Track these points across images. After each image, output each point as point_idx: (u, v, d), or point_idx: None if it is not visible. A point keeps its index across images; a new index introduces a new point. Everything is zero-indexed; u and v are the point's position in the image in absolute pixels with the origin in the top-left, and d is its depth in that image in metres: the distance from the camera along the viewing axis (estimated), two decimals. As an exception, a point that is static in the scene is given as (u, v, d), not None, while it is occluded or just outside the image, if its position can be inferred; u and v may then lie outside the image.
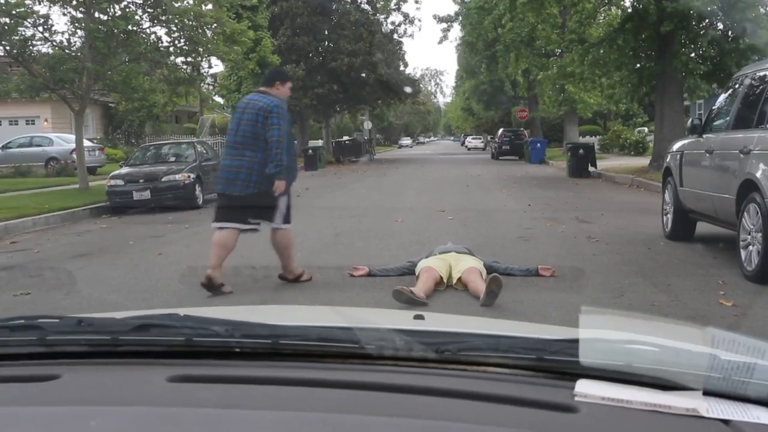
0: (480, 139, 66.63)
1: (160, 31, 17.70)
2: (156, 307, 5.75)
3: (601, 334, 1.26)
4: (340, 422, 1.02)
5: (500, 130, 40.88)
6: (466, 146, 68.82)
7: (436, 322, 1.72)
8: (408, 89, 37.10)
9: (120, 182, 14.74)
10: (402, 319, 1.70)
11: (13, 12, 15.42)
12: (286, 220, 6.53)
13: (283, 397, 1.12)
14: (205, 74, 21.64)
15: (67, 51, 16.87)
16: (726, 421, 1.01)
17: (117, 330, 1.32)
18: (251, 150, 6.24)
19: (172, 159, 16.61)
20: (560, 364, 1.17)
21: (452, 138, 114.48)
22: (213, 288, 6.08)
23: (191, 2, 16.95)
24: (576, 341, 1.17)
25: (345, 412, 1.05)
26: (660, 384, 1.08)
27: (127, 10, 16.69)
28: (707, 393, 1.06)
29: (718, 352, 1.12)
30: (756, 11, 17.04)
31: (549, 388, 1.12)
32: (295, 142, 6.31)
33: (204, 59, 19.04)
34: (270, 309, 2.50)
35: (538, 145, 31.87)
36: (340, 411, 1.05)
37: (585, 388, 1.09)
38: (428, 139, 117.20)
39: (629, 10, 19.87)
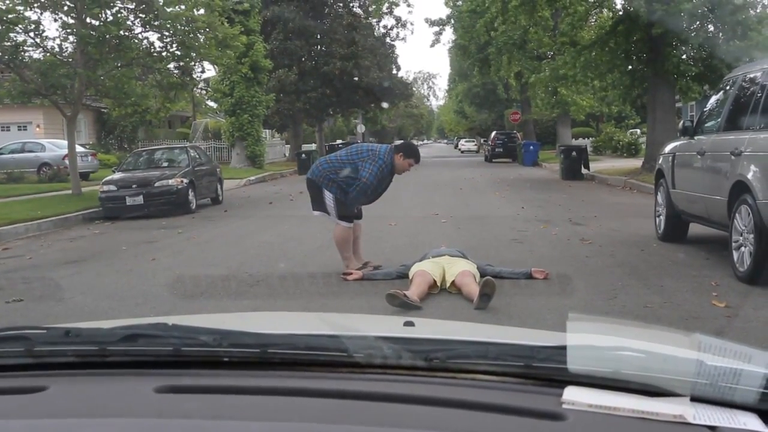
0: (473, 141, 66.69)
1: (153, 36, 17.69)
2: (148, 314, 5.74)
3: (588, 340, 1.26)
4: None
5: (493, 133, 40.93)
6: (460, 149, 68.84)
7: (426, 328, 1.72)
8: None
9: (113, 188, 14.70)
10: (391, 326, 1.70)
11: (4, 18, 15.37)
12: (342, 218, 7.13)
13: (271, 407, 1.12)
14: (197, 79, 21.56)
15: (58, 57, 16.81)
16: (713, 428, 1.01)
17: (104, 340, 1.32)
18: (343, 164, 7.07)
19: (165, 164, 16.58)
20: (548, 371, 1.17)
21: (445, 141, 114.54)
22: (353, 275, 6.79)
23: (183, 7, 16.90)
24: (564, 348, 1.17)
25: (333, 422, 1.05)
26: (647, 390, 1.09)
27: (119, 15, 16.64)
28: (694, 399, 1.06)
29: (705, 358, 1.12)
30: (746, 13, 17.12)
31: (537, 396, 1.12)
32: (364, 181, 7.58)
33: (196, 64, 18.99)
34: (259, 316, 2.49)
35: (531, 147, 31.92)
36: (328, 421, 1.05)
37: (573, 395, 1.09)
38: (421, 142, 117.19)
39: (620, 13, 19.94)
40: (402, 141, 8.06)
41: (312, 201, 7.35)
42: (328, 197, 7.10)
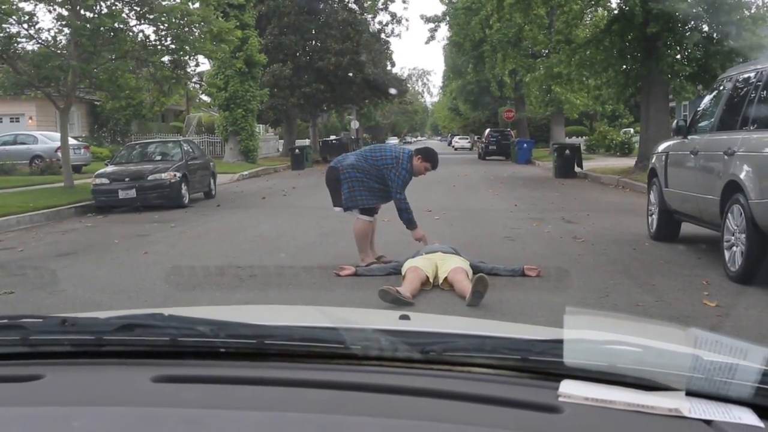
0: (467, 139, 66.68)
1: (147, 29, 17.63)
2: (141, 306, 5.73)
3: (585, 334, 1.27)
4: (324, 423, 1.02)
5: (487, 130, 40.96)
6: (453, 146, 68.82)
7: (422, 322, 1.72)
8: (393, 90, 37.23)
9: (105, 181, 14.66)
10: (387, 320, 1.70)
11: (-2, 9, 15.30)
12: (363, 212, 7.24)
13: (267, 397, 1.12)
14: (191, 73, 21.48)
15: (52, 48, 16.74)
16: (708, 422, 1.01)
17: (101, 330, 1.31)
18: (366, 161, 7.15)
19: (158, 158, 16.53)
20: (545, 365, 1.17)
21: (439, 138, 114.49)
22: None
23: (178, 0, 16.85)
24: (560, 342, 1.17)
25: (330, 413, 1.05)
26: (643, 384, 1.09)
27: (114, 7, 16.57)
28: (690, 393, 1.07)
29: (700, 353, 1.13)
30: (740, 14, 17.17)
31: (533, 389, 1.13)
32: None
33: (191, 57, 18.92)
34: (255, 309, 2.50)
35: (525, 145, 31.95)
36: (324, 411, 1.05)
37: (569, 388, 1.09)
38: (415, 139, 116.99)
39: (615, 12, 19.97)
40: (424, 147, 8.19)
41: (332, 195, 7.38)
42: (345, 188, 7.17)
